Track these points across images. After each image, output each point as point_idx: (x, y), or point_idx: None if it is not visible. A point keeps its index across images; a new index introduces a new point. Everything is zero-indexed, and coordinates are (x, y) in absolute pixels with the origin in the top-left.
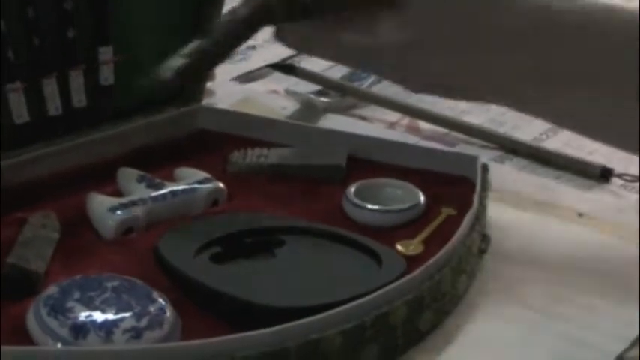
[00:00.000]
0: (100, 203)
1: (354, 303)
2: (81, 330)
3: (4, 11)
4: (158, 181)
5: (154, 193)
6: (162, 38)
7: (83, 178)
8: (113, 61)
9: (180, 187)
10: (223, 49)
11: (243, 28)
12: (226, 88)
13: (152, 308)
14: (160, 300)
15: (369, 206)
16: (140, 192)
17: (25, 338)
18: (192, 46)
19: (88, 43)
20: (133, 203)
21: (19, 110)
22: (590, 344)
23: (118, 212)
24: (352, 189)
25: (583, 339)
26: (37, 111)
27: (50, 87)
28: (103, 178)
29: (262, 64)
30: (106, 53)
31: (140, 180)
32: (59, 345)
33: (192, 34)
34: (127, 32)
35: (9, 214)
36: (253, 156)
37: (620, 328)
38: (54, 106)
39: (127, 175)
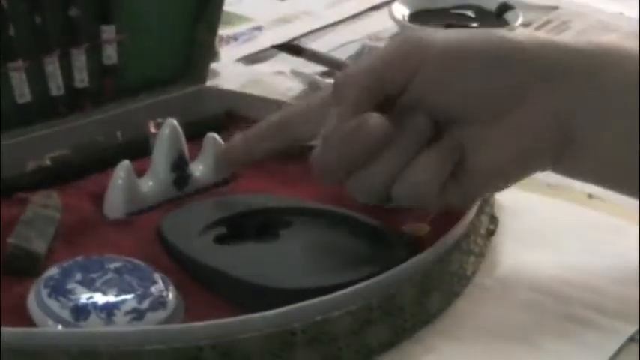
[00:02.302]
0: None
1: (361, 284)
2: (82, 312)
3: None
4: (188, 174)
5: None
6: (165, 17)
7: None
8: (116, 40)
9: None
10: None
11: None
12: (231, 69)
13: (154, 290)
14: (163, 281)
15: None
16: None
17: (26, 319)
18: None
19: (90, 22)
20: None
21: (21, 89)
22: (599, 326)
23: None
24: None
25: (592, 321)
26: (39, 90)
27: (52, 66)
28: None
29: (268, 45)
30: (108, 32)
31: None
32: (60, 327)
33: (196, 12)
34: (130, 11)
35: (12, 194)
36: None
37: (629, 310)
38: (56, 86)
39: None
